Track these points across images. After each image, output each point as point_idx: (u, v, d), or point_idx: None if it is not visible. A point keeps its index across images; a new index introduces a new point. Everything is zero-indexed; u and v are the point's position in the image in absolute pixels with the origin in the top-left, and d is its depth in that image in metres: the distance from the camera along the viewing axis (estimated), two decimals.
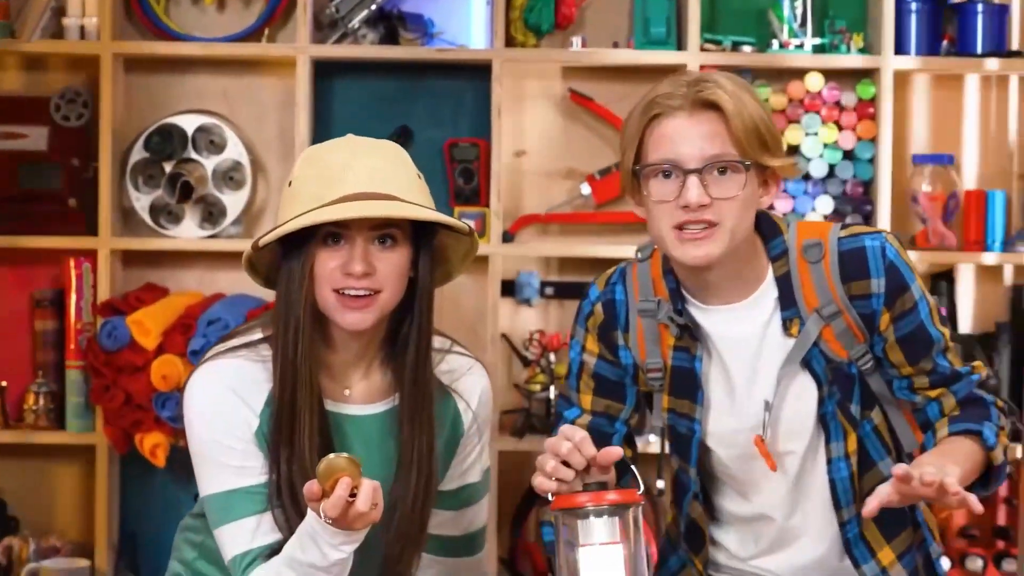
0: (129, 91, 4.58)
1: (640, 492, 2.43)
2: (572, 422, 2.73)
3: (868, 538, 2.65)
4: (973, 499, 2.36)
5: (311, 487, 2.43)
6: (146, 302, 4.43)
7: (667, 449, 2.73)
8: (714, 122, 2.51)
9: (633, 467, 2.55)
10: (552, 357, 4.45)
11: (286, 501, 2.57)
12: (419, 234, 2.65)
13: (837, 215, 4.46)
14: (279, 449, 2.59)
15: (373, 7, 4.48)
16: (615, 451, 2.45)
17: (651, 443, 3.91)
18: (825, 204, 4.46)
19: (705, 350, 2.64)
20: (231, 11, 4.64)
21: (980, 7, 4.44)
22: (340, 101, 4.62)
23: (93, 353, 4.38)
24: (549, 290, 4.57)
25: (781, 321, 2.60)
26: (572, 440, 2.43)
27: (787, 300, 2.59)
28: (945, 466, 2.38)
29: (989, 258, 4.45)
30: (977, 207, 4.48)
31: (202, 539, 2.72)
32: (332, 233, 2.59)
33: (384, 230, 2.59)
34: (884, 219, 4.42)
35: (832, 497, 2.65)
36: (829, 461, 2.64)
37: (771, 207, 2.62)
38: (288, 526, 2.57)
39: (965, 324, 4.60)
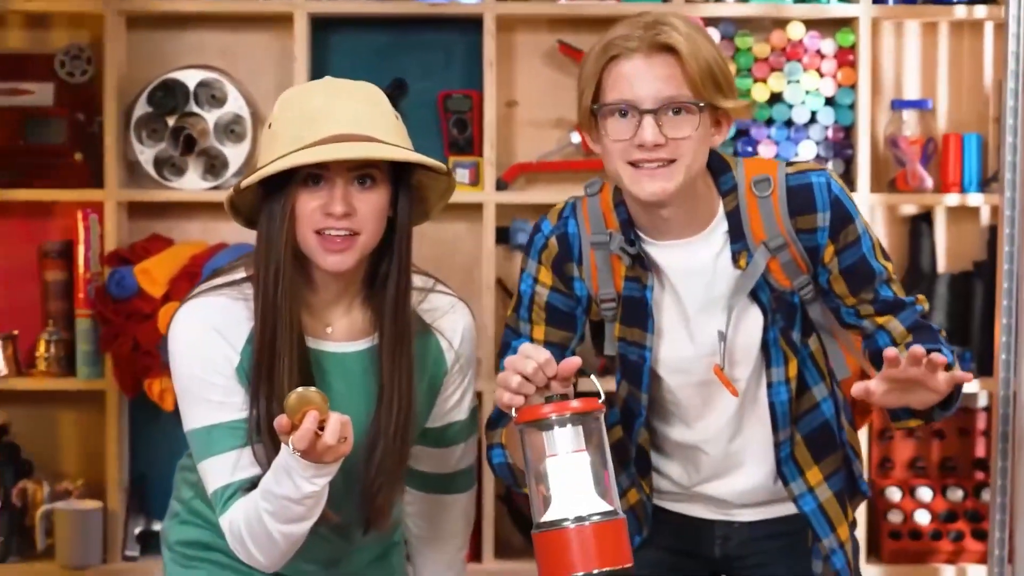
0: (132, 47, 4.58)
1: (601, 400, 2.43)
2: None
3: (798, 458, 2.70)
4: (960, 372, 2.42)
5: (281, 420, 2.43)
6: (152, 252, 4.44)
7: (618, 376, 2.74)
8: (669, 64, 2.52)
9: (592, 376, 2.52)
10: None
11: (265, 437, 2.56)
12: (398, 174, 2.63)
13: (820, 159, 4.49)
14: (259, 385, 2.57)
15: None
16: (575, 361, 2.45)
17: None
18: (808, 149, 4.50)
19: (658, 281, 2.66)
20: None
21: None
22: (336, 55, 4.62)
23: (102, 302, 4.40)
24: None
25: (731, 254, 2.62)
26: (536, 359, 2.43)
27: (736, 233, 2.62)
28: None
29: (966, 199, 4.49)
30: (954, 150, 4.52)
31: (197, 478, 2.69)
32: (312, 174, 2.56)
33: (363, 170, 2.57)
34: (864, 163, 4.46)
35: (771, 419, 2.68)
36: (769, 385, 2.67)
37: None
38: (268, 461, 2.55)
39: (943, 264, 4.63)
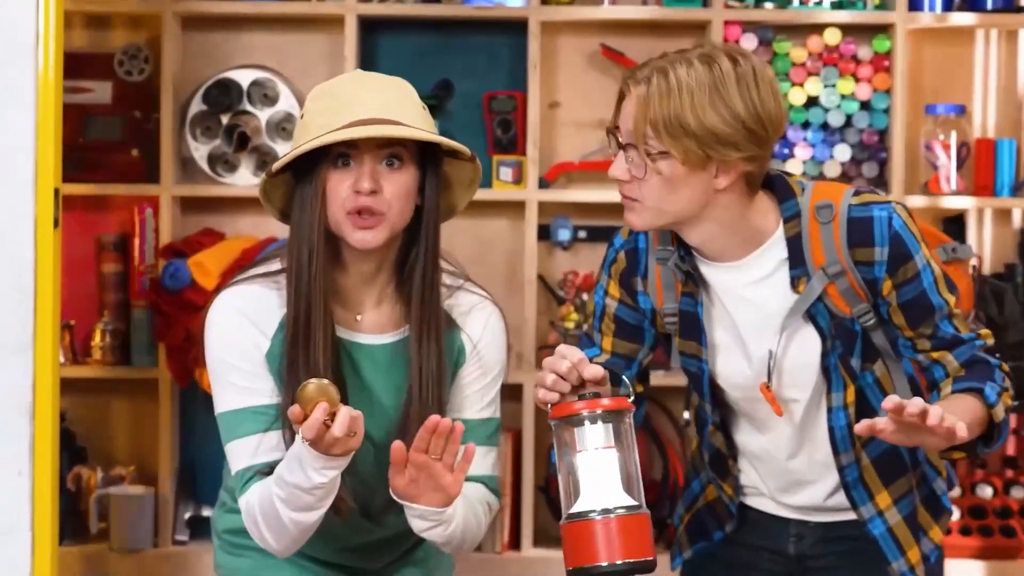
0: (188, 47, 4.62)
1: (631, 400, 2.44)
2: (590, 360, 2.69)
3: (867, 481, 2.68)
4: (960, 425, 2.36)
5: (294, 410, 2.41)
6: (205, 245, 4.47)
7: (689, 385, 2.76)
8: (635, 103, 2.52)
9: (625, 377, 2.56)
10: (584, 296, 4.52)
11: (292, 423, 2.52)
12: (425, 161, 2.62)
13: (854, 162, 4.53)
14: (291, 372, 2.55)
15: None
16: (599, 370, 2.46)
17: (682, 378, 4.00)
18: (842, 152, 4.52)
19: (707, 298, 2.66)
20: None
21: None
22: (384, 56, 4.65)
23: (156, 293, 4.43)
24: (582, 234, 4.62)
25: (790, 279, 2.60)
26: (570, 358, 2.45)
27: (796, 259, 2.59)
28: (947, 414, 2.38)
29: (998, 203, 4.51)
30: (986, 155, 4.53)
31: None
32: (342, 155, 2.56)
33: (391, 150, 2.56)
34: (898, 166, 4.48)
35: (832, 443, 2.67)
36: (829, 410, 2.65)
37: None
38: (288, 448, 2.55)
39: (982, 266, 4.62)
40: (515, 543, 4.52)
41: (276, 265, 2.65)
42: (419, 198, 2.62)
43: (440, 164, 2.65)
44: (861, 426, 2.40)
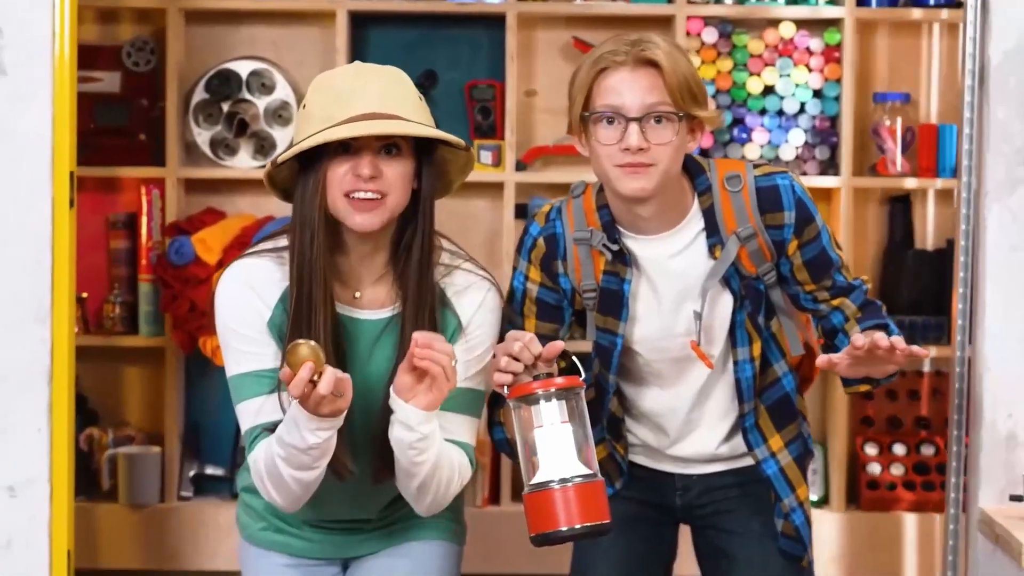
0: (191, 40, 4.62)
1: (582, 378, 2.51)
2: None
3: (762, 427, 2.78)
4: (917, 348, 2.54)
5: (284, 371, 2.42)
6: (207, 223, 4.49)
7: (593, 355, 2.79)
8: (652, 76, 2.58)
9: (574, 358, 2.60)
10: None
11: None
12: (421, 150, 2.63)
13: (807, 146, 4.57)
14: (293, 339, 2.52)
15: None
16: (558, 345, 2.53)
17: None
18: (797, 136, 4.57)
19: (636, 272, 2.70)
20: None
21: None
22: (373, 48, 4.66)
23: (162, 267, 4.45)
24: None
25: (707, 246, 2.68)
26: (522, 340, 2.51)
27: (712, 228, 2.68)
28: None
29: (940, 184, 4.55)
30: (930, 139, 4.57)
31: None
32: (343, 146, 2.56)
33: (389, 141, 2.57)
34: (848, 149, 4.52)
35: (737, 393, 2.75)
36: (736, 362, 2.74)
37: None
38: None
39: (921, 242, 4.70)
40: (494, 498, 4.57)
41: (283, 241, 2.66)
42: (415, 182, 2.63)
43: (435, 151, 2.66)
44: (822, 360, 2.54)
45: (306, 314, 2.59)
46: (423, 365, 2.51)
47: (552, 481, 2.44)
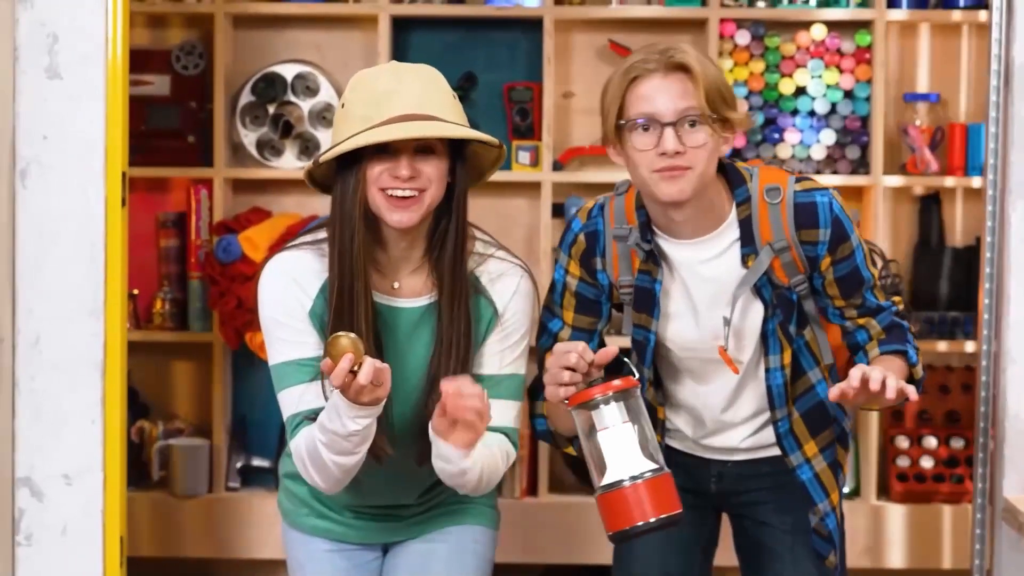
0: (238, 44, 4.66)
1: (636, 378, 2.54)
2: (555, 332, 2.79)
3: (796, 433, 2.79)
4: (908, 388, 2.52)
5: (326, 362, 2.46)
6: (254, 222, 4.53)
7: (632, 349, 2.81)
8: (684, 81, 2.60)
9: (626, 359, 2.61)
10: None
11: None
12: (455, 146, 2.66)
13: (838, 146, 4.58)
14: (335, 329, 2.57)
15: None
16: (612, 350, 2.55)
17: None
18: (828, 136, 4.58)
19: (668, 273, 2.72)
20: None
21: None
22: (414, 51, 4.67)
23: (210, 265, 4.48)
24: None
25: (741, 256, 2.69)
26: (575, 351, 2.53)
27: (747, 238, 2.68)
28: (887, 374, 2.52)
29: (968, 182, 4.55)
30: (960, 138, 4.57)
31: None
32: (381, 146, 2.59)
33: (425, 142, 2.61)
34: (878, 149, 4.52)
35: (769, 399, 2.76)
36: (768, 370, 2.75)
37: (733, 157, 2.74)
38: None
39: (952, 238, 4.71)
40: (532, 490, 4.58)
41: (322, 234, 2.70)
42: (450, 177, 2.67)
43: (468, 147, 2.69)
44: (834, 392, 2.52)
45: (348, 306, 2.63)
46: (457, 415, 2.55)
47: (623, 480, 2.48)
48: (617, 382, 2.51)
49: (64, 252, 3.31)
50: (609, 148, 2.71)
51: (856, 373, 2.51)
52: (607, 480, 2.49)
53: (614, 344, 2.62)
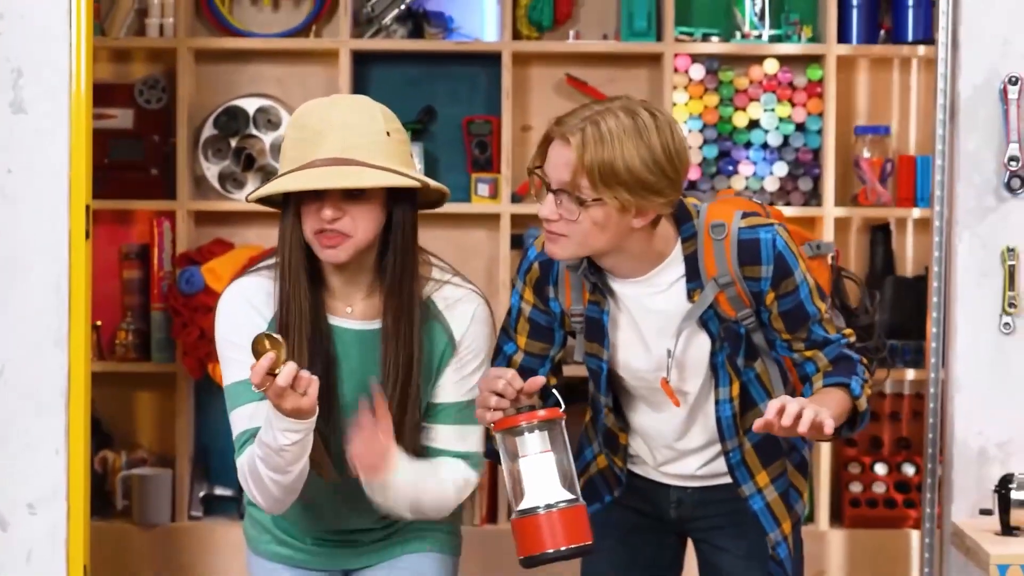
0: (200, 78, 4.68)
1: (562, 410, 2.57)
2: (509, 355, 2.80)
3: (748, 463, 2.79)
4: (828, 423, 2.49)
5: (251, 363, 2.49)
6: (216, 254, 4.55)
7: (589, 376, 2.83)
8: (568, 155, 2.53)
9: (554, 391, 2.64)
10: None
11: None
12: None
13: (791, 177, 4.63)
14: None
15: (403, 6, 4.61)
16: (539, 380, 2.58)
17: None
18: (780, 169, 4.63)
19: (615, 305, 2.72)
20: (284, 10, 4.74)
21: (911, 1, 4.58)
22: (375, 85, 4.70)
23: (173, 296, 4.50)
24: None
25: (687, 291, 2.67)
26: (504, 377, 2.55)
27: (692, 274, 2.67)
28: (820, 409, 2.52)
29: (918, 213, 4.61)
30: (908, 170, 4.64)
31: None
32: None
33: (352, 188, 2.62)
34: (829, 181, 4.58)
35: (718, 430, 2.76)
36: (717, 402, 2.74)
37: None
38: None
39: (902, 268, 4.76)
40: (491, 516, 4.62)
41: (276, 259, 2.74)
42: (388, 209, 2.68)
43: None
44: (759, 424, 2.53)
45: (295, 327, 2.67)
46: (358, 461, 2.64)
47: (538, 507, 2.51)
48: (542, 412, 2.55)
49: (29, 283, 3.33)
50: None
51: (774, 405, 2.52)
52: (523, 505, 2.53)
53: (573, 370, 2.65)
